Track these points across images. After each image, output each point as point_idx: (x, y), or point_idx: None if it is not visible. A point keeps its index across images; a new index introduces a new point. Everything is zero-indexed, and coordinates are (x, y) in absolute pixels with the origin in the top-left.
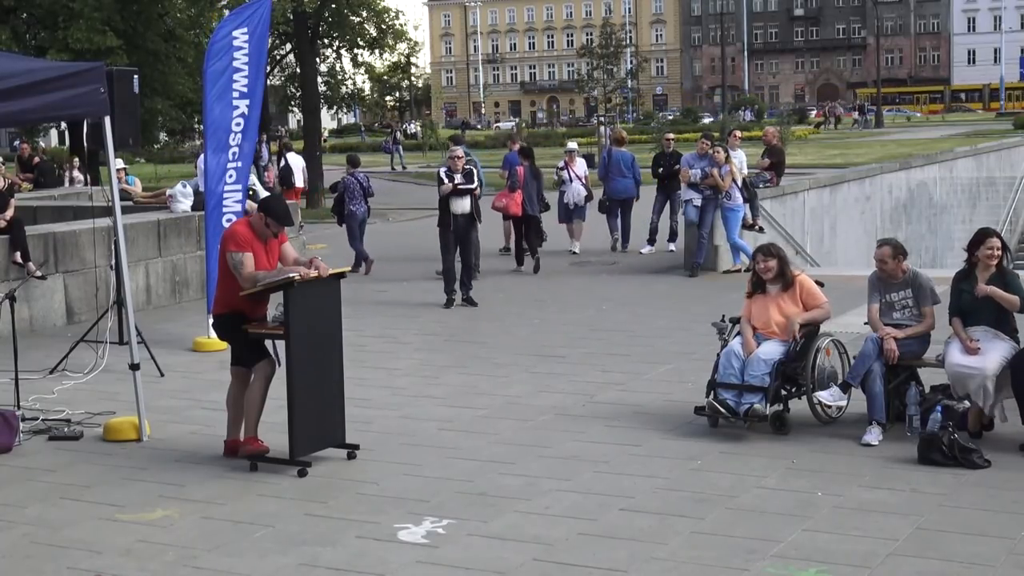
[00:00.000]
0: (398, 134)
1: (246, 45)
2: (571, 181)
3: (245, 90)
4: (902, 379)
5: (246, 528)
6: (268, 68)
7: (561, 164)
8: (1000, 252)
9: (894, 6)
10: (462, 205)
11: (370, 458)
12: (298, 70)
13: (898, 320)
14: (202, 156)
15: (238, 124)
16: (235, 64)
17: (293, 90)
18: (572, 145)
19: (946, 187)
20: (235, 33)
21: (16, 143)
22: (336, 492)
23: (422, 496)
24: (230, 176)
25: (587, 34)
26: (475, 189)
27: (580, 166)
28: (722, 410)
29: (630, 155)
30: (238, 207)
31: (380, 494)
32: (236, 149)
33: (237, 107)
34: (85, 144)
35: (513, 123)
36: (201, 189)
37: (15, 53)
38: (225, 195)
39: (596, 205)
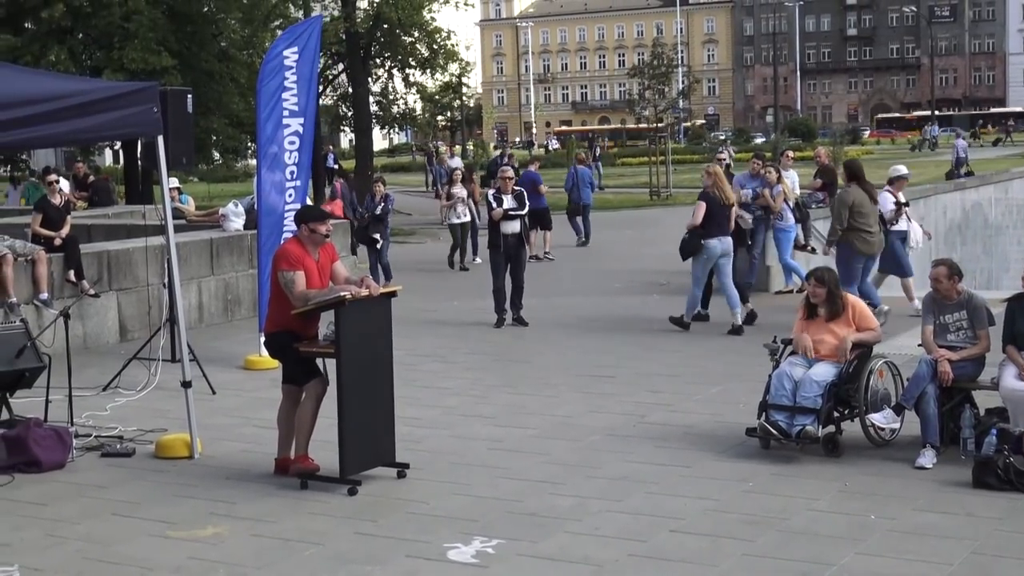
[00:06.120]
0: (598, 148)
1: (295, 64)
2: (909, 219)
3: (296, 108)
4: (956, 401)
5: (296, 546)
6: (321, 88)
7: (892, 201)
8: None
9: (948, 25)
10: (512, 226)
11: (420, 477)
12: (350, 90)
13: (952, 342)
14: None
15: (292, 143)
16: (286, 83)
17: (345, 110)
18: (902, 169)
19: (1001, 208)
20: (286, 53)
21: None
22: (386, 511)
23: (472, 516)
24: (289, 195)
25: (639, 54)
26: (525, 213)
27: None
28: (774, 432)
29: (589, 171)
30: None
31: (430, 513)
32: (294, 168)
33: (289, 125)
34: (139, 163)
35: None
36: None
37: (71, 73)
38: (286, 214)
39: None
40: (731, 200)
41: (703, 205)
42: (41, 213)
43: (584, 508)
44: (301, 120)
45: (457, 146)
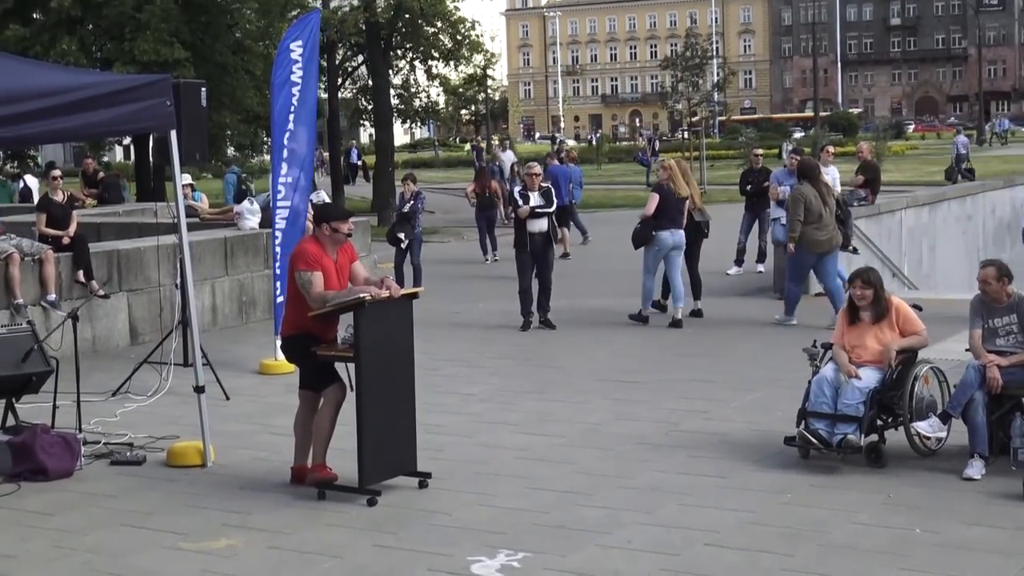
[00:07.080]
0: (656, 144)
1: (300, 59)
2: None
3: (302, 103)
4: (1006, 409)
5: (313, 559)
6: (340, 81)
7: None
8: None
9: (997, 15)
10: (539, 224)
11: (442, 487)
12: (370, 82)
13: (1002, 347)
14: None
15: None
16: (292, 78)
17: (365, 103)
18: None
19: None
20: (292, 46)
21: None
22: (407, 522)
23: (497, 528)
24: (279, 192)
25: (671, 45)
26: (552, 210)
27: None
28: (814, 440)
29: (579, 170)
30: (283, 224)
31: (453, 525)
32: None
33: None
34: (151, 159)
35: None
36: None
37: (81, 65)
38: (277, 209)
39: None
40: (684, 194)
41: (656, 197)
42: (45, 212)
43: (615, 520)
44: (304, 114)
45: (507, 139)
